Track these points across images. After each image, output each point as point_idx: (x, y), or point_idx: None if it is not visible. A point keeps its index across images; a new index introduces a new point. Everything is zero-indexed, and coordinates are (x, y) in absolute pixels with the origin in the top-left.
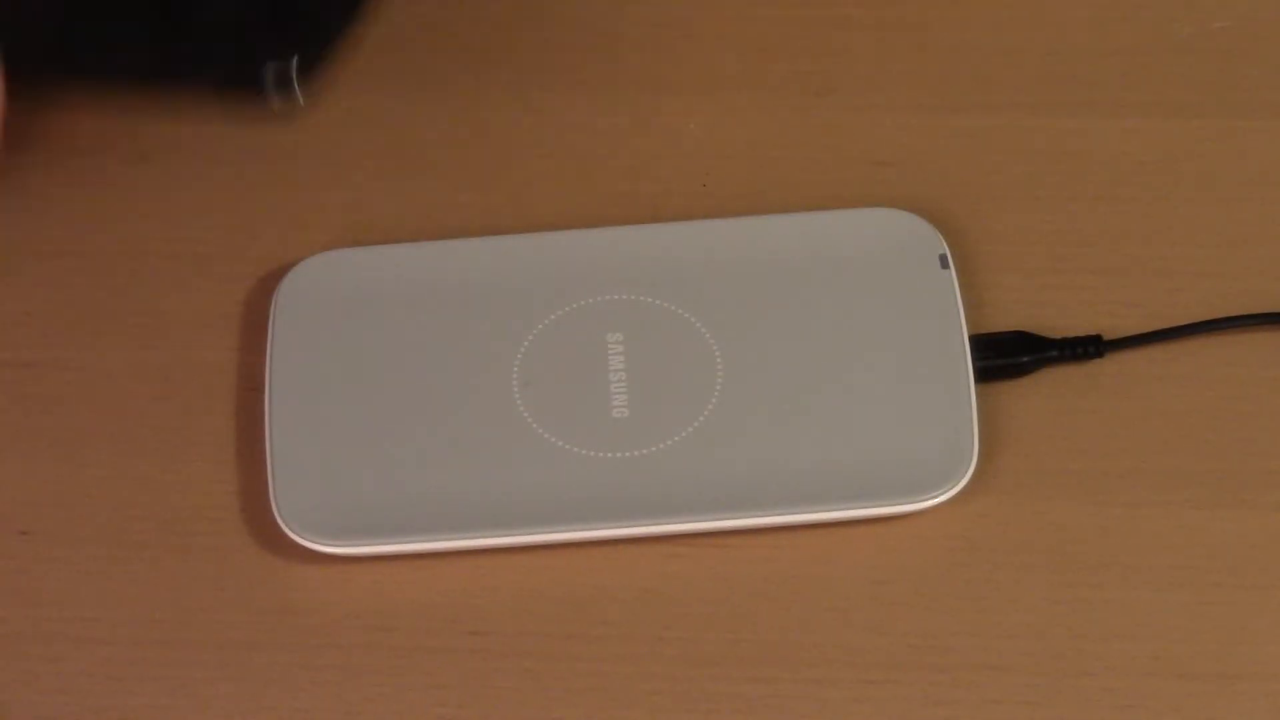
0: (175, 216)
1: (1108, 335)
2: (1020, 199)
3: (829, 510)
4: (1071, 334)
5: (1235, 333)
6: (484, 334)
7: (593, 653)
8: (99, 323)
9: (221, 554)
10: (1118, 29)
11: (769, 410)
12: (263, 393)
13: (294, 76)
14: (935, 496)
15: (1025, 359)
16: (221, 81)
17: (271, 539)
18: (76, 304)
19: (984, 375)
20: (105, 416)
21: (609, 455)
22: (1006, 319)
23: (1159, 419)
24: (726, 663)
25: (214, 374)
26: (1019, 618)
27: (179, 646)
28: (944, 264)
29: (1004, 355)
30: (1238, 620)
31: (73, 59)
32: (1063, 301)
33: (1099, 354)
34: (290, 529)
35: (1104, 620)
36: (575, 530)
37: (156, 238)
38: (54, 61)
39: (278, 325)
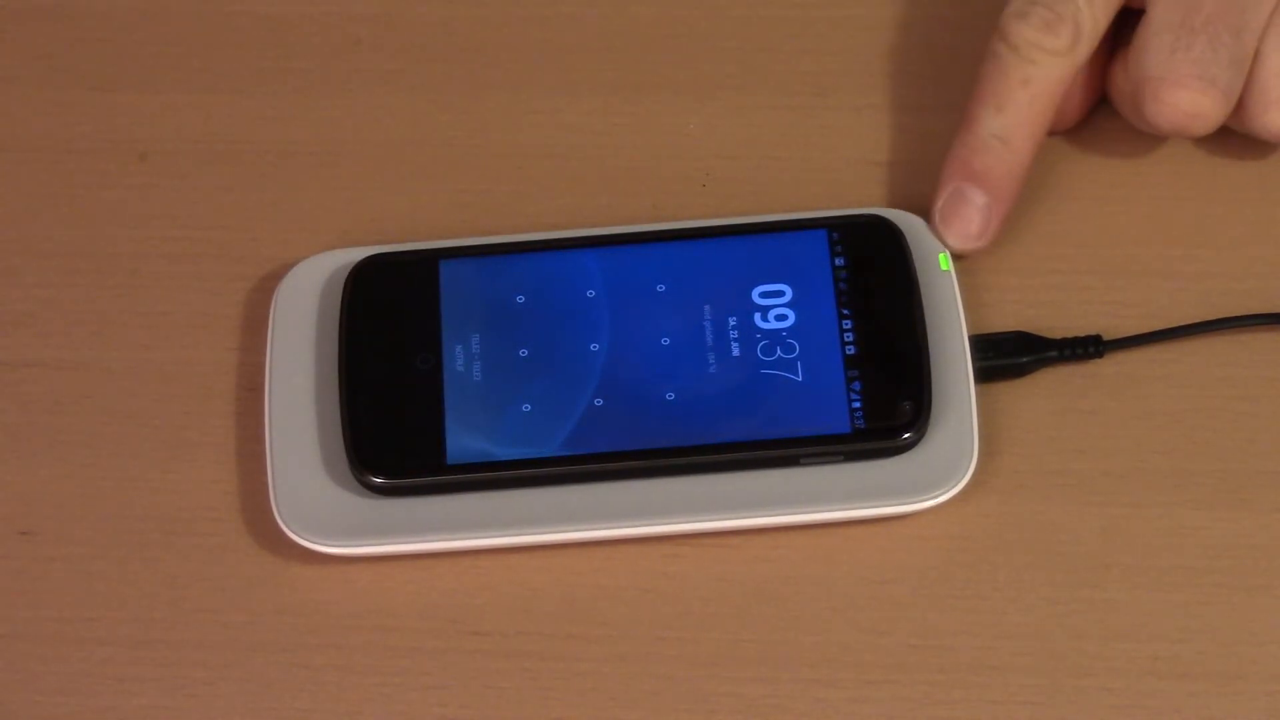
0: (175, 216)
1: (1108, 335)
2: (1020, 199)
3: (829, 510)
4: (1071, 334)
5: (1235, 333)
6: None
7: (593, 653)
8: (99, 323)
9: (221, 554)
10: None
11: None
12: (262, 393)
13: None
14: (935, 496)
15: (1025, 359)
16: None
17: (271, 539)
18: (76, 304)
19: (984, 375)
20: (105, 416)
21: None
22: (1006, 319)
23: (1159, 419)
24: (726, 663)
25: (214, 374)
26: (1019, 618)
27: (179, 646)
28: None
29: (1004, 355)
30: (1238, 620)
31: None
32: (1063, 301)
33: (1099, 354)
34: (290, 529)
35: (1104, 620)
36: (575, 530)
37: (156, 238)
38: None
39: (277, 325)
